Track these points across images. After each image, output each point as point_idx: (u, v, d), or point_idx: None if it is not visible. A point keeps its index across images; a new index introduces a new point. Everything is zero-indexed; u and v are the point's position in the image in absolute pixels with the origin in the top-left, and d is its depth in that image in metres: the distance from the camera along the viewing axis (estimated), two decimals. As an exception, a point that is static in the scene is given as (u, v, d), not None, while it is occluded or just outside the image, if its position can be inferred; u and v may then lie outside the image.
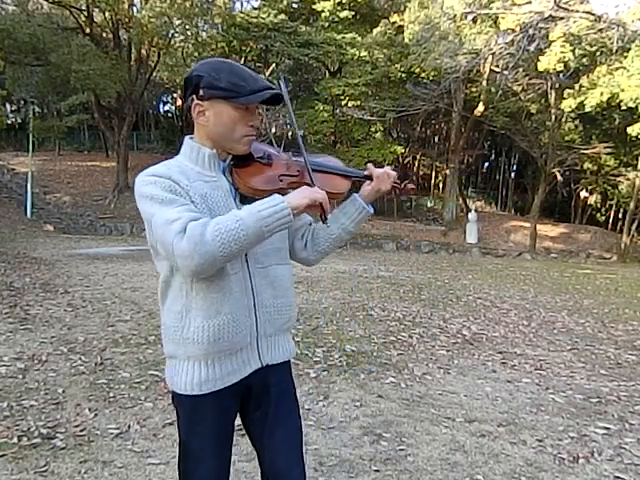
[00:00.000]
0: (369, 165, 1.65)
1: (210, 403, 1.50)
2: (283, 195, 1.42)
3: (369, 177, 1.64)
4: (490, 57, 19.42)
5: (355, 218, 1.65)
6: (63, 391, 3.65)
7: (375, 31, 21.95)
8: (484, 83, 21.88)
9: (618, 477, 2.77)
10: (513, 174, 31.75)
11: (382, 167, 1.67)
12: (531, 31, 16.51)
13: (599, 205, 28.36)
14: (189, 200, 1.39)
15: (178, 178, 1.40)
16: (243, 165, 1.54)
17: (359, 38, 22.31)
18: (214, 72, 1.44)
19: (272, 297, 1.56)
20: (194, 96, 1.46)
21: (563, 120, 21.77)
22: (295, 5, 26.09)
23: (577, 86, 18.07)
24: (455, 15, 17.94)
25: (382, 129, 26.47)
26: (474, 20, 18.77)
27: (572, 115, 20.83)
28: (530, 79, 20.19)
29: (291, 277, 1.66)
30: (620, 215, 26.01)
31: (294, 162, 1.57)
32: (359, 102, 22.87)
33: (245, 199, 1.51)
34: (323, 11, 23.41)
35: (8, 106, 29.00)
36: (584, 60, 18.23)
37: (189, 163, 1.49)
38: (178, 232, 1.31)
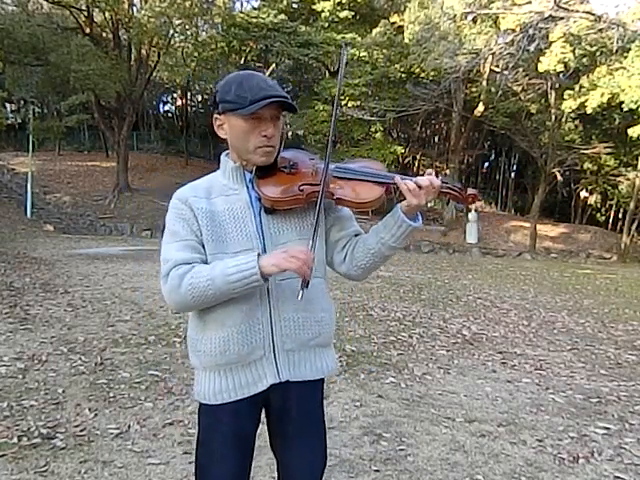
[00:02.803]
0: (415, 177, 1.46)
1: (226, 414, 1.51)
2: (303, 204, 1.47)
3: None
4: (490, 57, 19.41)
5: (395, 233, 1.48)
6: (63, 391, 3.65)
7: (375, 31, 21.95)
8: (484, 83, 21.87)
9: (618, 477, 2.77)
10: (513, 174, 31.71)
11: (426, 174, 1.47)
12: (531, 31, 16.51)
13: (599, 205, 28.33)
14: (195, 226, 1.47)
15: (194, 200, 1.49)
16: (265, 176, 1.51)
17: (359, 38, 22.30)
18: (226, 86, 1.49)
19: (293, 310, 1.50)
20: (216, 111, 1.51)
21: (563, 120, 21.74)
22: (295, 5, 26.07)
23: (577, 87, 18.06)
24: (455, 15, 17.94)
25: (382, 129, 26.42)
26: (474, 20, 18.78)
27: (572, 115, 20.80)
28: (530, 79, 20.18)
29: (324, 291, 1.58)
30: (620, 215, 26.00)
31: (319, 169, 1.49)
32: (359, 102, 22.84)
33: (270, 210, 1.50)
34: (323, 11, 23.41)
35: (8, 106, 28.97)
36: (584, 60, 18.22)
37: (220, 177, 1.57)
38: (164, 275, 1.46)
